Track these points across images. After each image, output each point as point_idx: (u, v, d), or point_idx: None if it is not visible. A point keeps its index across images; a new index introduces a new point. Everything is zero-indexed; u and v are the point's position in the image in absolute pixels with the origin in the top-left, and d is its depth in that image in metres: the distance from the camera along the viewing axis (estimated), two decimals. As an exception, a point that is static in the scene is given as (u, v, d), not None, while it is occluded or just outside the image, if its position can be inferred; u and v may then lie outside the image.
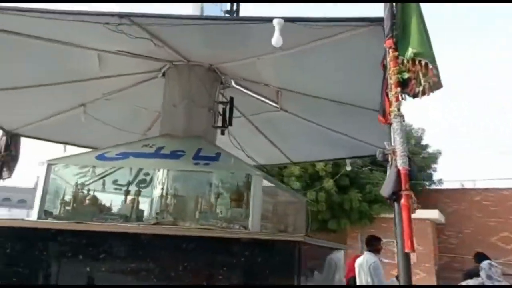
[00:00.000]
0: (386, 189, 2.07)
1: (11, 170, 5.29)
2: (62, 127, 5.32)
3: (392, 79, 2.21)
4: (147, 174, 3.57)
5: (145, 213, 3.42)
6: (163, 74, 4.52)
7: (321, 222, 14.95)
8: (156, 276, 2.55)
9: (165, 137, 4.08)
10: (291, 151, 6.16)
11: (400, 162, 2.06)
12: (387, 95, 2.24)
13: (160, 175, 3.57)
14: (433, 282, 16.35)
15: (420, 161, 16.97)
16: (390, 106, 2.20)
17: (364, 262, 5.53)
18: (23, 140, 5.47)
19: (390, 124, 2.21)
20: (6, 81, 4.28)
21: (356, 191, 14.56)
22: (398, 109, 2.16)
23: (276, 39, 2.46)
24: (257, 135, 5.74)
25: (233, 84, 4.85)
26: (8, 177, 5.32)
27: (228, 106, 4.54)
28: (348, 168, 5.77)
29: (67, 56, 3.92)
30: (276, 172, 14.49)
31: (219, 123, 4.54)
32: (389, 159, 2.14)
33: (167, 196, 3.44)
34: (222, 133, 4.61)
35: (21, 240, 2.58)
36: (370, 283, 5.37)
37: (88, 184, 3.42)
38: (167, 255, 2.62)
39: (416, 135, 18.76)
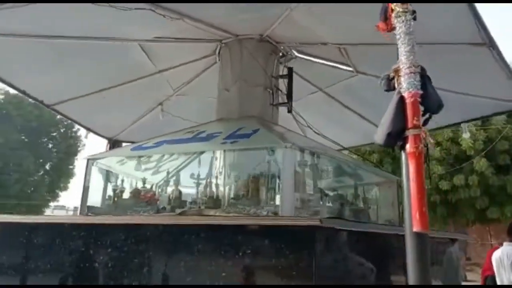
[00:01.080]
0: (380, 130, 1.27)
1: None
2: (150, 128, 5.52)
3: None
4: (185, 161, 3.30)
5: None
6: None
7: (478, 211, 12.52)
8: (161, 270, 2.24)
9: (216, 122, 3.78)
10: (388, 124, 5.11)
11: (406, 84, 1.24)
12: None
13: (198, 161, 3.26)
14: None
15: None
16: None
17: (504, 256, 4.15)
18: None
19: (393, 30, 1.38)
20: (89, 86, 4.52)
21: (523, 171, 11.74)
22: (404, 2, 1.32)
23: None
24: (342, 111, 4.93)
25: (296, 53, 4.25)
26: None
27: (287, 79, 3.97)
28: (466, 135, 4.44)
29: (119, 55, 3.97)
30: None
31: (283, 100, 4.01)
32: (395, 85, 1.32)
33: (206, 183, 3.10)
34: (289, 111, 4.05)
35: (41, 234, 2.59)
36: (515, 284, 4.00)
37: (138, 177, 3.34)
38: (171, 246, 2.28)
39: None
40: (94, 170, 3.20)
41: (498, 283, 4.21)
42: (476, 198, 11.93)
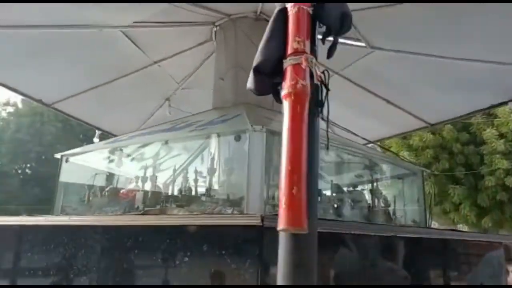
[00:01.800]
0: (253, 67, 0.79)
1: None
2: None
3: None
4: (163, 157, 2.95)
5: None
6: (218, 42, 3.85)
7: None
8: (93, 277, 1.91)
9: (208, 111, 3.42)
10: (419, 110, 4.36)
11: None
12: None
13: (178, 154, 2.90)
14: None
15: None
16: None
17: None
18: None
19: None
20: (85, 83, 4.31)
21: None
22: None
23: None
24: (367, 97, 4.30)
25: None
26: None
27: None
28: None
29: (108, 47, 3.74)
30: (472, 151, 11.45)
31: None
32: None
33: (184, 179, 2.73)
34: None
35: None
36: None
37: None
38: (107, 251, 1.93)
39: None
40: (70, 168, 2.96)
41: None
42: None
